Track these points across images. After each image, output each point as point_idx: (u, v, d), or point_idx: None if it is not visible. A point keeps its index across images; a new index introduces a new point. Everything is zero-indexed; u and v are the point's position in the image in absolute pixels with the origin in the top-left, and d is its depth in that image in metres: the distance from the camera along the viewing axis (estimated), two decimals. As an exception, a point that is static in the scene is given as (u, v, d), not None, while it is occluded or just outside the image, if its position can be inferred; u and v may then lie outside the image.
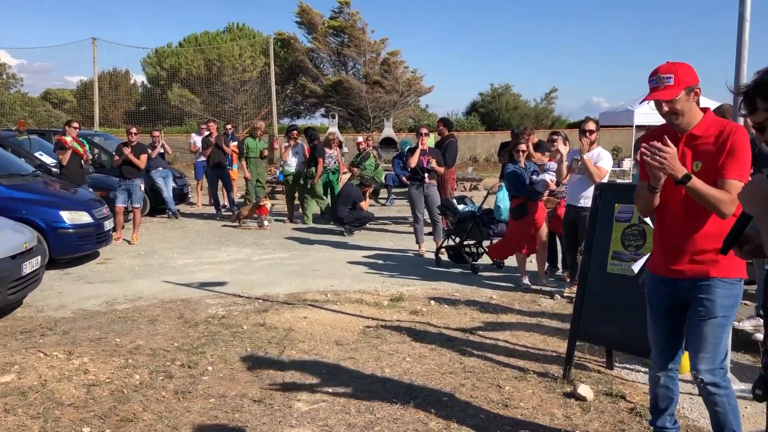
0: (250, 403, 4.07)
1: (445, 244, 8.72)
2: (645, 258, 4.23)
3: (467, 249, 8.49)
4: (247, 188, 12.68)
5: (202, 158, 13.98)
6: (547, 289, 7.17)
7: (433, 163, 9.18)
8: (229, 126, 14.86)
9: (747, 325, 5.23)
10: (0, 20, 58.89)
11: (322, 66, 31.86)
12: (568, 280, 7.15)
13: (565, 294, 6.79)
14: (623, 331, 4.26)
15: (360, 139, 13.75)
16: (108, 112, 31.01)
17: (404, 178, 11.28)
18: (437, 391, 4.28)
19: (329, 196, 12.40)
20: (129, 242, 10.00)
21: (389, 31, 67.52)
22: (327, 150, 12.69)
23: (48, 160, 11.19)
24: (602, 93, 75.95)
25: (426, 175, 9.12)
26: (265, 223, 11.76)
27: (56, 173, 9.91)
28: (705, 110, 2.97)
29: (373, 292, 7.04)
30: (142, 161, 10.18)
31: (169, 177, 12.74)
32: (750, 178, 2.41)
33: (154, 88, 31.94)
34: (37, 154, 11.51)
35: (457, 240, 8.48)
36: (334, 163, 12.55)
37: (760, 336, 2.65)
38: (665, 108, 2.87)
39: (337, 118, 24.83)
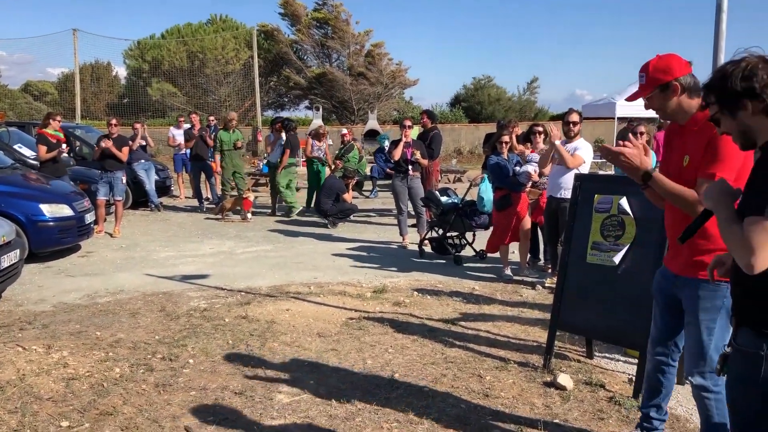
0: (231, 395, 4.06)
1: (428, 235, 8.74)
2: (625, 249, 4.27)
3: (450, 240, 8.52)
4: (222, 180, 12.58)
5: (182, 151, 13.88)
6: (529, 279, 7.21)
7: (417, 155, 9.18)
8: (212, 118, 14.77)
9: None
10: (-22, 11, 57.99)
11: (306, 58, 31.68)
12: (550, 270, 7.19)
13: (546, 284, 6.83)
14: (602, 320, 4.30)
15: (345, 131, 13.70)
16: (90, 105, 30.65)
17: (388, 170, 11.28)
18: (418, 381, 4.29)
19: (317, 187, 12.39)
20: (111, 235, 9.92)
21: (373, 23, 67.19)
22: (316, 142, 12.67)
23: (27, 152, 11.07)
24: (586, 85, 76.40)
25: (410, 167, 9.13)
26: (248, 215, 11.71)
27: (36, 166, 9.80)
28: None
29: (357, 284, 7.04)
30: (123, 154, 10.09)
31: (152, 169, 12.64)
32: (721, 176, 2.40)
33: (137, 80, 31.60)
34: (16, 147, 11.39)
35: (441, 232, 8.50)
36: (323, 155, 12.58)
37: None
38: (646, 105, 2.93)
39: (321, 110, 24.76)
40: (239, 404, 3.93)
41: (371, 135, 21.19)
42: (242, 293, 6.60)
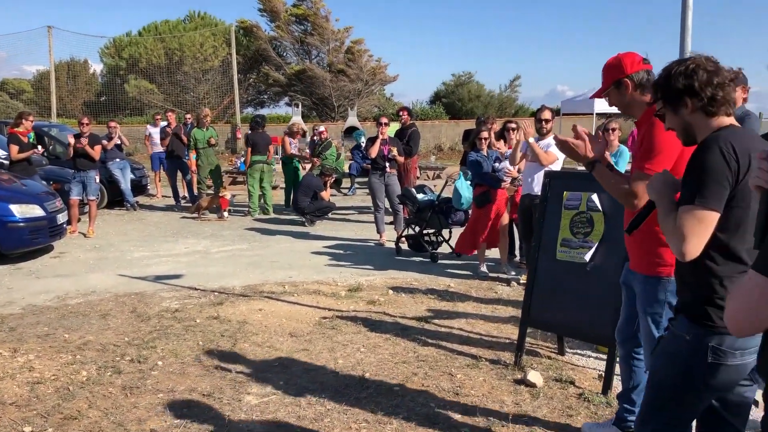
0: (199, 397, 4.02)
1: (405, 233, 8.72)
2: (595, 246, 4.28)
3: (427, 238, 8.51)
4: (199, 178, 12.47)
5: (159, 149, 13.75)
6: (505, 276, 7.22)
7: (394, 152, 9.16)
8: (188, 116, 14.63)
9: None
10: (-48, 8, 57.03)
11: (285, 55, 31.53)
12: (525, 267, 7.20)
13: (521, 281, 6.84)
14: (571, 317, 4.31)
15: (322, 128, 13.64)
16: (66, 103, 30.25)
17: (365, 165, 11.28)
18: (390, 380, 4.27)
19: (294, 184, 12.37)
20: (85, 235, 9.79)
21: (353, 20, 67.11)
22: (292, 140, 12.62)
23: (-1, 152, 10.88)
24: (567, 81, 76.77)
25: (387, 164, 9.11)
26: (225, 214, 11.62)
27: (5, 165, 9.64)
28: None
29: (332, 283, 7.01)
30: (96, 152, 9.96)
31: (127, 168, 12.49)
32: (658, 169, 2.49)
33: (113, 78, 31.24)
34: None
35: (417, 229, 8.48)
36: (299, 152, 12.59)
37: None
38: (608, 101, 3.04)
39: (300, 107, 24.66)
40: (207, 406, 3.88)
41: (351, 132, 21.13)
42: (215, 293, 6.54)
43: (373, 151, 9.02)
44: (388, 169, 9.13)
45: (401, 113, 10.71)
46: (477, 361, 4.59)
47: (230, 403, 3.93)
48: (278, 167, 13.90)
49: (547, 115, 6.68)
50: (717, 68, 2.15)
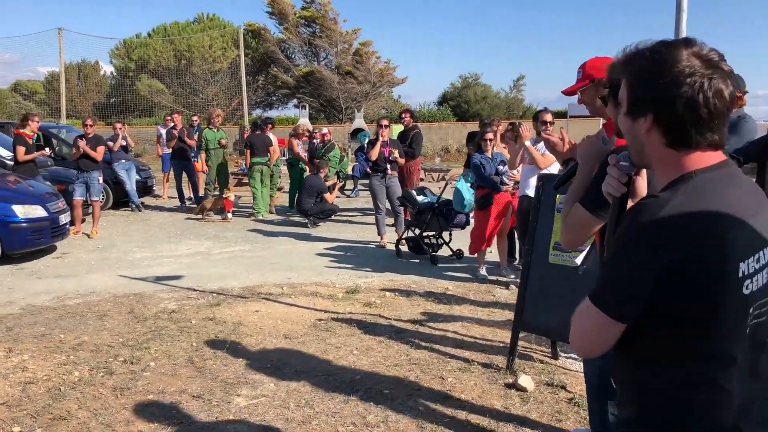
0: (188, 398, 4.03)
1: (405, 235, 8.71)
2: (587, 250, 4.25)
3: (427, 240, 8.49)
4: (207, 179, 12.53)
5: (169, 150, 13.82)
6: (504, 279, 7.19)
7: (396, 154, 9.16)
8: (195, 117, 14.69)
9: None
10: (-34, 10, 57.64)
11: (293, 57, 31.61)
12: (524, 270, 7.17)
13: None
14: (563, 321, 4.26)
15: (325, 130, 13.68)
16: (77, 104, 30.50)
17: (368, 169, 11.26)
18: (380, 383, 4.26)
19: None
20: (88, 236, 9.84)
21: (361, 22, 67.16)
22: (298, 141, 12.66)
23: (4, 152, 10.97)
24: (577, 83, 76.12)
25: (388, 166, 9.10)
26: (229, 215, 11.65)
27: (9, 166, 9.72)
28: None
29: (330, 285, 7.01)
30: (99, 153, 10.00)
31: (132, 169, 12.55)
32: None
33: (123, 79, 31.45)
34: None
35: (417, 231, 8.46)
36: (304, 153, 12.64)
37: None
38: (579, 99, 3.01)
39: (308, 109, 24.68)
40: (196, 408, 3.89)
41: (357, 134, 21.15)
42: (213, 294, 6.56)
43: (374, 154, 9.02)
44: (389, 171, 9.12)
45: (403, 115, 10.72)
46: (469, 365, 4.57)
47: (219, 404, 3.94)
48: (284, 169, 13.93)
49: (548, 117, 6.64)
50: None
